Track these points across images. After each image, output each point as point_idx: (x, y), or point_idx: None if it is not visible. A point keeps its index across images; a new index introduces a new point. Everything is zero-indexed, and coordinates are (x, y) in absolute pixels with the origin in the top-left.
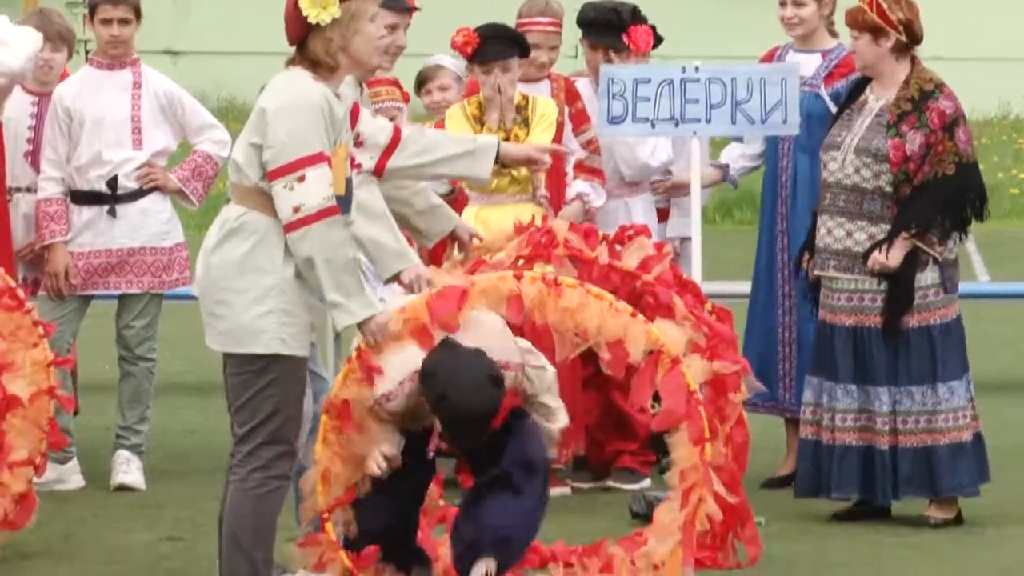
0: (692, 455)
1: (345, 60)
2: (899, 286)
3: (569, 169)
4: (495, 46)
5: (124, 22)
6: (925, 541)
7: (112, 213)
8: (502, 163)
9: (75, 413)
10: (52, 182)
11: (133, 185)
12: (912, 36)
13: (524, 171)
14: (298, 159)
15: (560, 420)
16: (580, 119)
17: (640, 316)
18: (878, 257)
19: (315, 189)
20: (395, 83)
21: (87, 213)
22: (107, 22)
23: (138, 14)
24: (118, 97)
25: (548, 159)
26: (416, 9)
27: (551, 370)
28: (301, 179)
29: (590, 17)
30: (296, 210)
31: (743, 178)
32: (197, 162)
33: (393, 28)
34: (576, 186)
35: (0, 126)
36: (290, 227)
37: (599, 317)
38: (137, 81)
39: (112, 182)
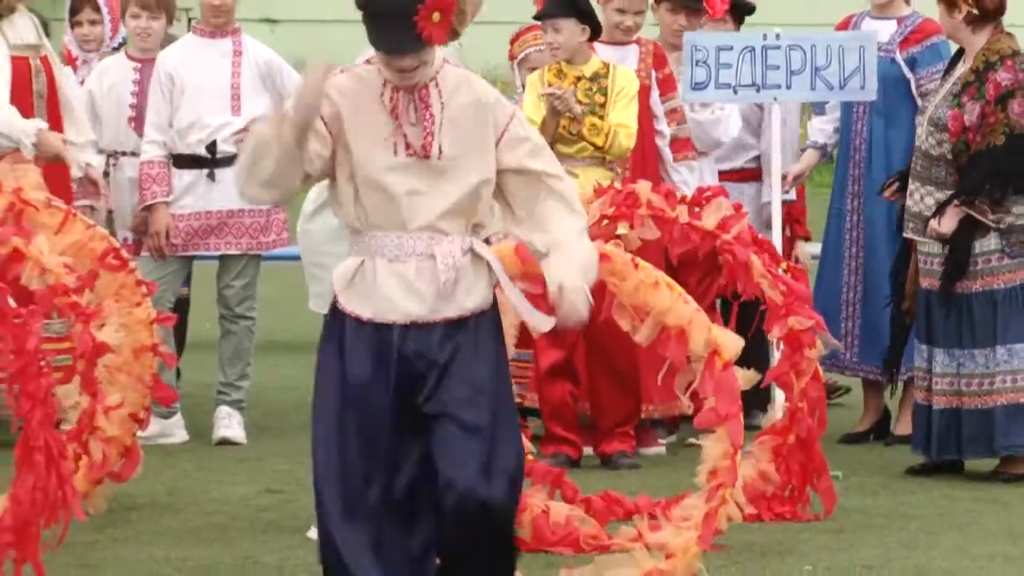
0: (726, 457)
1: None
2: (954, 252)
3: (665, 148)
4: (548, 5)
5: None
6: (998, 495)
7: (211, 176)
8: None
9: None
10: (154, 145)
11: (232, 150)
12: (984, 9)
13: (598, 138)
14: None
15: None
16: (667, 85)
17: (701, 312)
18: (933, 224)
19: None
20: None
21: (187, 176)
22: None
23: None
24: (219, 64)
25: None
26: None
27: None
28: None
29: None
30: None
31: None
32: None
33: None
34: (675, 176)
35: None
36: None
37: (663, 299)
38: (238, 49)
39: (211, 146)
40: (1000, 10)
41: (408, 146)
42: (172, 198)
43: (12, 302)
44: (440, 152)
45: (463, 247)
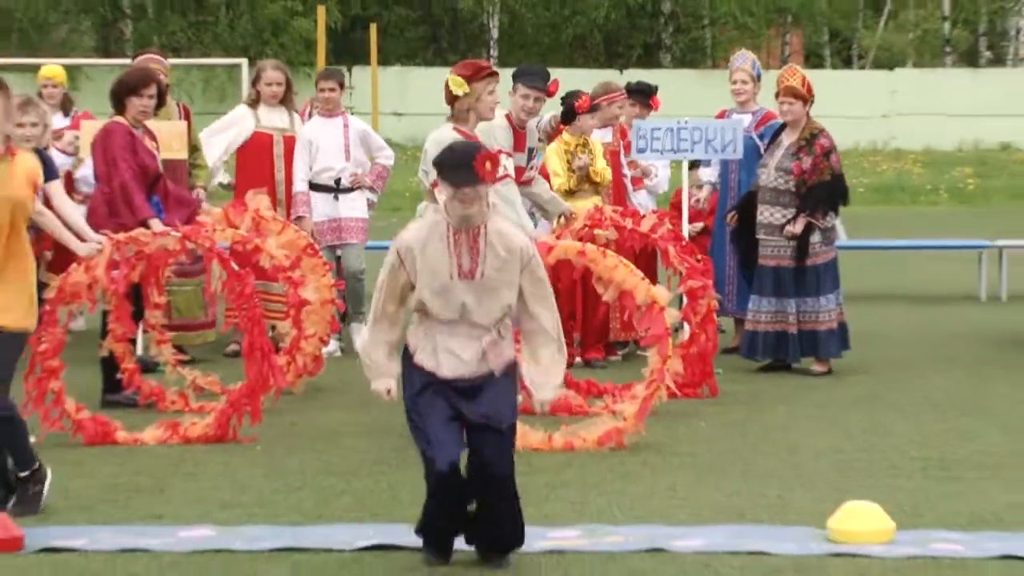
0: (659, 363)
1: (474, 114)
2: (800, 244)
3: (629, 184)
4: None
5: (331, 90)
6: (812, 382)
7: (336, 198)
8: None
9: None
10: (302, 182)
11: (347, 184)
12: (812, 100)
13: (597, 177)
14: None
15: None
16: (628, 149)
17: (647, 280)
18: (789, 228)
19: None
20: None
21: (321, 196)
22: (322, 90)
23: (342, 85)
24: (335, 133)
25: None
26: (554, 93)
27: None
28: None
29: (635, 88)
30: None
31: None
32: (379, 170)
33: (525, 97)
34: (634, 200)
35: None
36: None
37: (622, 274)
38: (345, 123)
39: (337, 181)
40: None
41: (460, 270)
42: (313, 211)
43: (235, 265)
44: (483, 275)
45: (498, 337)
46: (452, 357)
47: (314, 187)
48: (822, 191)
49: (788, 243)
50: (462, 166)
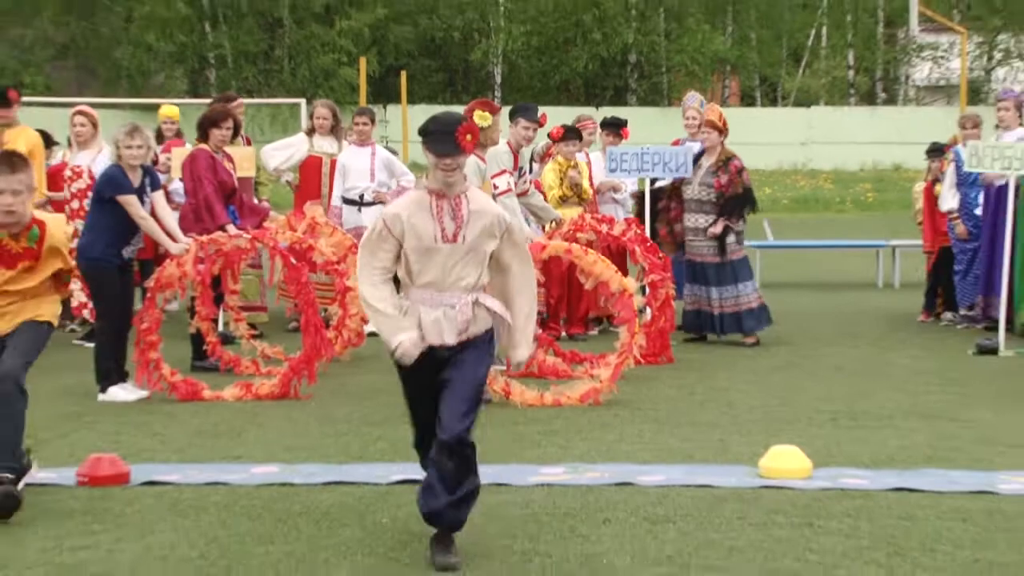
0: (628, 338)
1: (489, 141)
2: (720, 243)
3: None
4: (568, 132)
5: (364, 124)
6: (746, 352)
7: (359, 210)
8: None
9: None
10: (337, 198)
11: (370, 199)
12: (726, 134)
13: (585, 194)
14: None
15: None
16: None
17: (619, 272)
18: (711, 229)
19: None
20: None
21: (348, 209)
22: (357, 123)
23: (373, 120)
24: (364, 158)
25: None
26: (543, 124)
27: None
28: None
29: (610, 121)
30: None
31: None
32: (399, 189)
33: (527, 128)
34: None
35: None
36: None
37: (600, 268)
38: (373, 152)
39: (360, 196)
40: (727, 135)
41: (444, 234)
42: (344, 220)
43: (293, 259)
44: (464, 239)
45: (472, 301)
46: (434, 325)
47: (345, 201)
48: (736, 201)
49: (710, 243)
50: (445, 136)
